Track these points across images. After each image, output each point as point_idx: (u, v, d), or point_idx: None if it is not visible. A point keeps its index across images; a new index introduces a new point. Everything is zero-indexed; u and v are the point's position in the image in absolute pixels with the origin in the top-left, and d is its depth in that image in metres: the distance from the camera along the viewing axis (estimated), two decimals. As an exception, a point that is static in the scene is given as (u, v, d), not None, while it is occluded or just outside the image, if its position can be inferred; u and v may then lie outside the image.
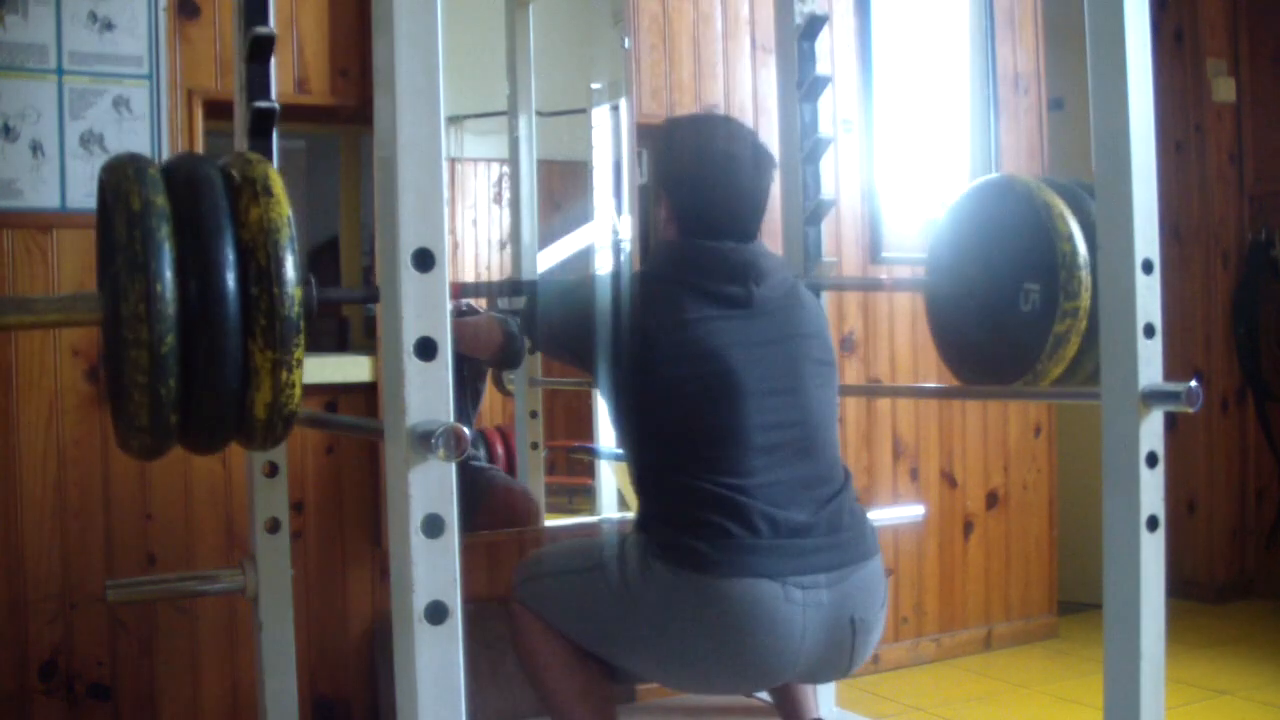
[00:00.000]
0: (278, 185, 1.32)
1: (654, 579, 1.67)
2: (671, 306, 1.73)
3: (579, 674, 1.79)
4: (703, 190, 1.80)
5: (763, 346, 1.75)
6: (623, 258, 2.67)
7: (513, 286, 2.46)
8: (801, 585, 1.64)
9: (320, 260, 2.80)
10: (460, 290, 2.28)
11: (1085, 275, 1.73)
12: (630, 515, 1.97)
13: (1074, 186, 1.89)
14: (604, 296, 1.79)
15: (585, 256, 2.81)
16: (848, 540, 1.73)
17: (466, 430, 1.10)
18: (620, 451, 1.87)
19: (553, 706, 1.81)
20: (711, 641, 1.63)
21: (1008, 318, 1.86)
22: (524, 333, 1.98)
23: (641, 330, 1.73)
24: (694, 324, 1.72)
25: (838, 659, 1.73)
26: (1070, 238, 1.77)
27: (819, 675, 1.80)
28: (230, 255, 1.27)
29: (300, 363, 1.30)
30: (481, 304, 2.69)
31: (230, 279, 1.26)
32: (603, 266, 2.73)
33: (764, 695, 2.49)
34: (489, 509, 2.60)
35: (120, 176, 1.29)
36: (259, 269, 1.27)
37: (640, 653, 1.73)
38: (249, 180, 1.31)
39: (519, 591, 1.84)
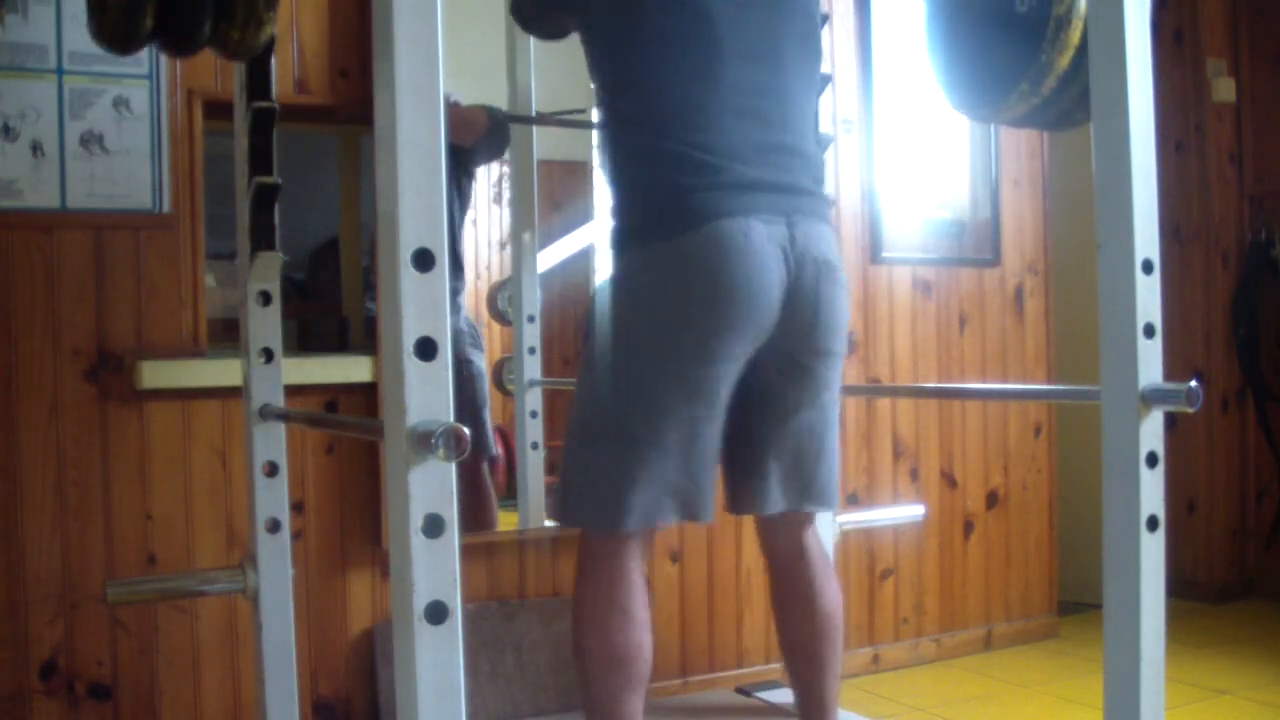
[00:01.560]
0: None
1: (634, 271, 1.77)
2: None
3: (626, 657, 1.76)
4: None
5: (746, 9, 1.81)
6: None
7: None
8: (763, 220, 1.74)
9: (320, 260, 2.80)
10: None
11: None
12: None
13: None
14: None
15: (585, 257, 2.81)
16: (802, 200, 1.81)
17: (466, 430, 1.10)
18: (602, 144, 1.91)
19: (588, 680, 1.78)
20: (699, 287, 1.71)
21: (1005, 21, 1.80)
22: (515, 9, 2.03)
23: None
24: None
25: (804, 300, 1.78)
26: None
27: (792, 325, 1.79)
28: None
29: None
30: (481, 305, 2.69)
31: None
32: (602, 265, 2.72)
33: (766, 696, 2.50)
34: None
35: None
36: None
37: (653, 354, 1.75)
38: None
39: (563, 522, 1.85)
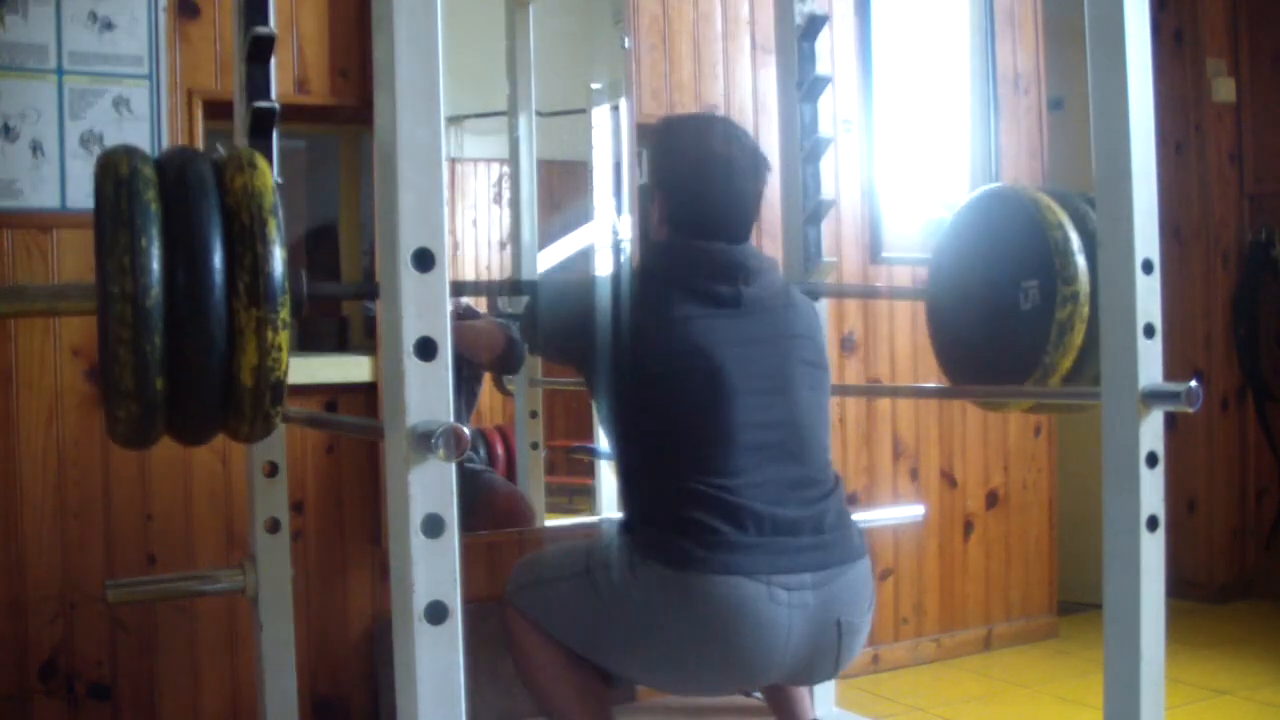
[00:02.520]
0: (262, 161, 1.37)
1: (640, 580, 1.68)
2: (661, 305, 1.74)
3: (574, 677, 1.79)
4: (697, 191, 1.81)
5: (751, 345, 1.76)
6: (622, 258, 2.67)
7: (511, 286, 2.46)
8: (787, 586, 1.64)
9: (320, 260, 2.80)
10: (458, 289, 2.29)
11: (1080, 260, 1.74)
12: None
13: (1067, 192, 1.92)
14: (599, 297, 1.80)
15: (585, 256, 2.81)
16: (834, 541, 1.72)
17: (466, 430, 1.10)
18: (611, 453, 1.87)
19: (549, 709, 1.81)
20: (697, 641, 1.64)
21: (1010, 318, 1.87)
22: (523, 336, 2.00)
23: (631, 328, 1.75)
24: (683, 322, 1.73)
25: (823, 661, 1.73)
26: (1060, 225, 1.78)
27: (805, 677, 1.80)
28: (214, 215, 1.31)
29: (286, 325, 1.32)
30: (481, 304, 2.69)
31: (214, 237, 1.30)
32: (602, 267, 2.73)
33: (759, 695, 2.49)
34: (486, 513, 2.60)
35: (112, 152, 1.36)
36: (242, 228, 1.31)
37: (629, 656, 1.73)
38: (234, 156, 1.37)
39: (513, 598, 1.85)
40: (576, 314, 1.82)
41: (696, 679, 1.73)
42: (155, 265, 1.27)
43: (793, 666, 1.70)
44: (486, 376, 2.69)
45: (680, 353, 1.72)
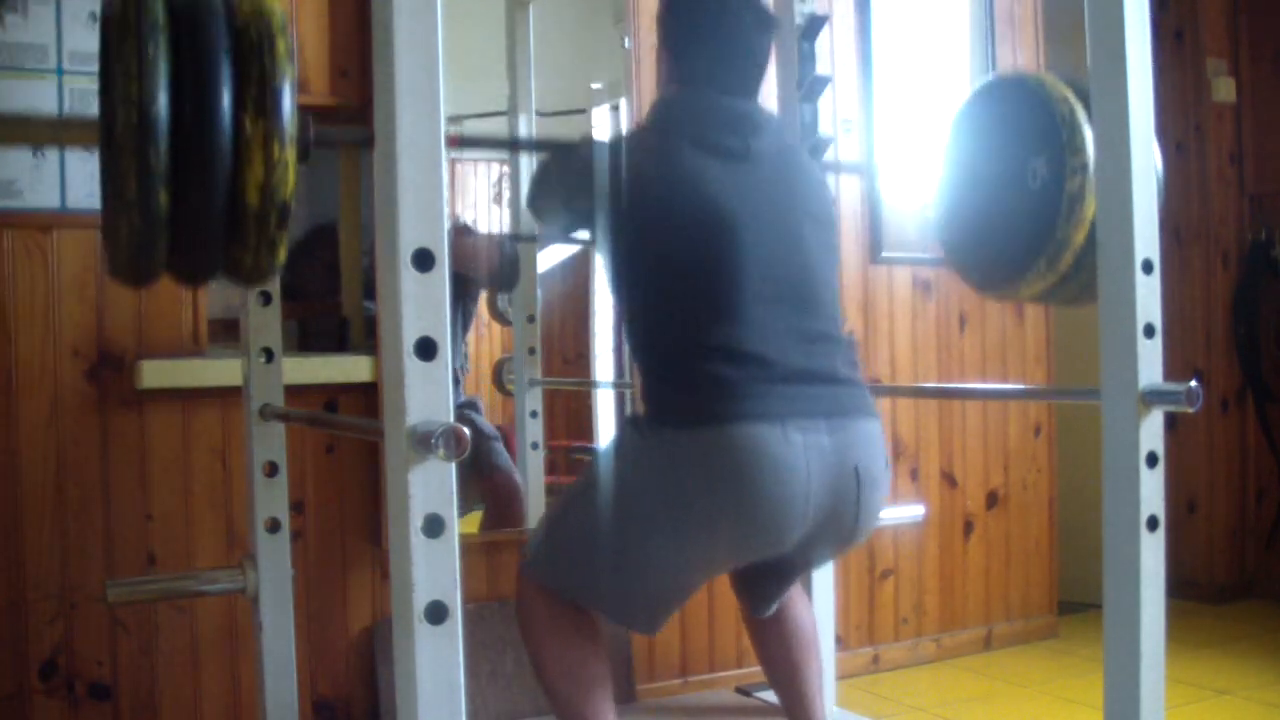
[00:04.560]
0: None
1: (657, 446, 1.68)
2: (670, 156, 1.75)
3: (584, 672, 1.78)
4: (705, 44, 1.82)
5: (760, 198, 1.76)
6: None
7: (519, 144, 2.43)
8: (802, 429, 1.64)
9: (320, 259, 2.79)
10: (460, 140, 2.25)
11: (1088, 130, 1.67)
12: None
13: (1078, 77, 1.85)
14: (608, 154, 1.80)
15: (585, 256, 2.81)
16: (846, 394, 1.73)
17: (466, 430, 1.10)
18: (623, 324, 1.87)
19: (553, 695, 1.80)
20: (719, 495, 1.63)
21: (1019, 200, 1.79)
22: (531, 202, 2.00)
23: (640, 180, 1.74)
24: (692, 172, 1.73)
25: (845, 514, 1.72)
26: (1065, 99, 1.72)
27: (827, 532, 1.74)
28: (222, 29, 1.29)
29: (294, 141, 1.30)
30: (481, 307, 2.70)
31: (222, 49, 1.28)
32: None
33: (766, 696, 2.49)
34: (492, 497, 2.59)
35: None
36: (250, 44, 1.29)
37: (655, 536, 1.70)
38: None
39: (525, 570, 1.83)
40: (584, 170, 1.81)
41: (725, 539, 1.69)
42: (161, 73, 1.25)
43: (815, 518, 1.68)
44: (481, 304, 2.68)
45: (689, 203, 1.72)
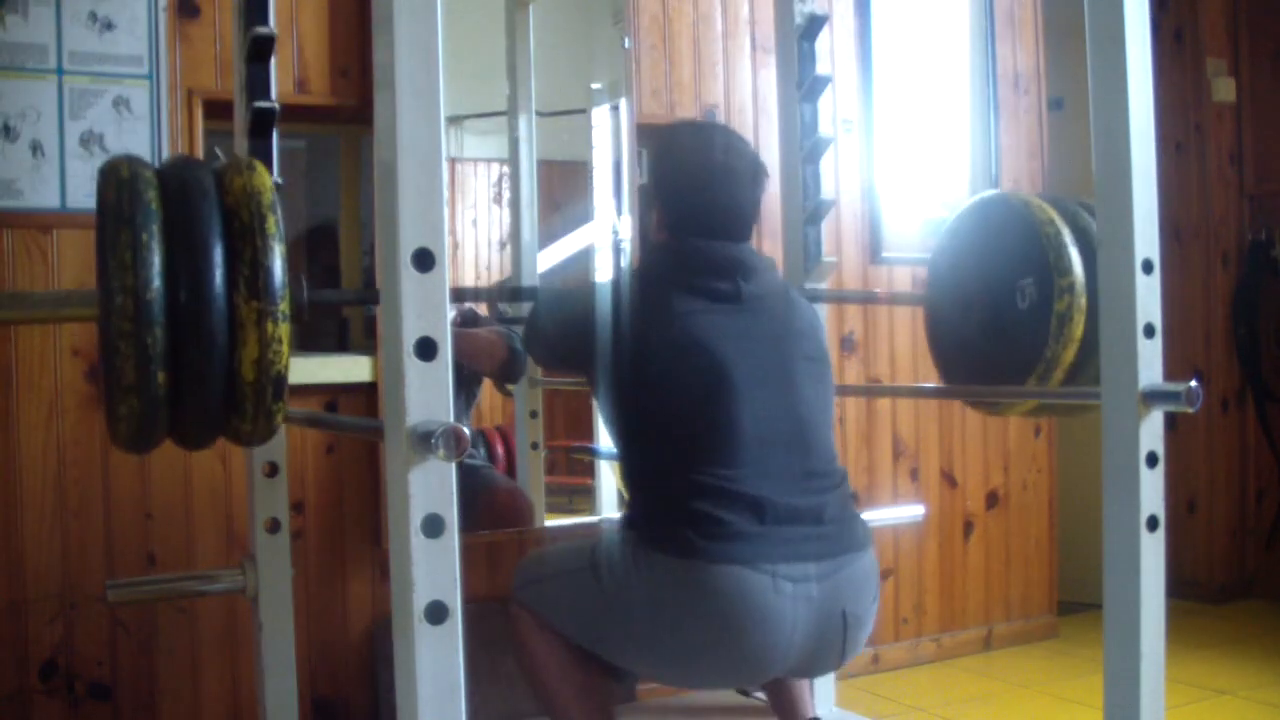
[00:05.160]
0: (260, 164, 1.40)
1: (644, 572, 1.68)
2: (661, 302, 1.75)
3: (577, 674, 1.80)
4: (695, 199, 1.82)
5: (752, 340, 1.77)
6: (622, 259, 2.67)
7: (510, 293, 2.47)
8: (791, 578, 1.64)
9: (320, 260, 2.80)
10: (458, 295, 2.29)
11: (1073, 252, 1.75)
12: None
13: (1059, 196, 1.94)
14: (600, 301, 1.81)
15: (585, 257, 2.81)
16: (837, 532, 1.72)
17: (466, 430, 1.10)
18: (615, 452, 1.88)
19: (551, 706, 1.82)
20: (701, 632, 1.64)
21: (1009, 319, 1.87)
22: (526, 346, 2.01)
23: (632, 327, 1.75)
24: (684, 317, 1.74)
25: (828, 653, 1.73)
26: (1051, 221, 1.79)
27: (810, 669, 1.80)
28: (214, 214, 1.33)
29: (286, 318, 1.33)
30: (481, 307, 2.69)
31: (214, 233, 1.31)
32: (602, 270, 2.73)
33: (761, 695, 2.49)
34: (488, 512, 2.60)
35: (114, 159, 1.38)
36: (241, 225, 1.32)
37: (633, 649, 1.73)
38: (233, 160, 1.40)
39: (518, 594, 1.85)
40: (577, 319, 1.83)
41: (701, 672, 1.72)
42: (156, 260, 1.28)
43: (798, 659, 1.70)
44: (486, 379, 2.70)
45: (681, 347, 1.72)
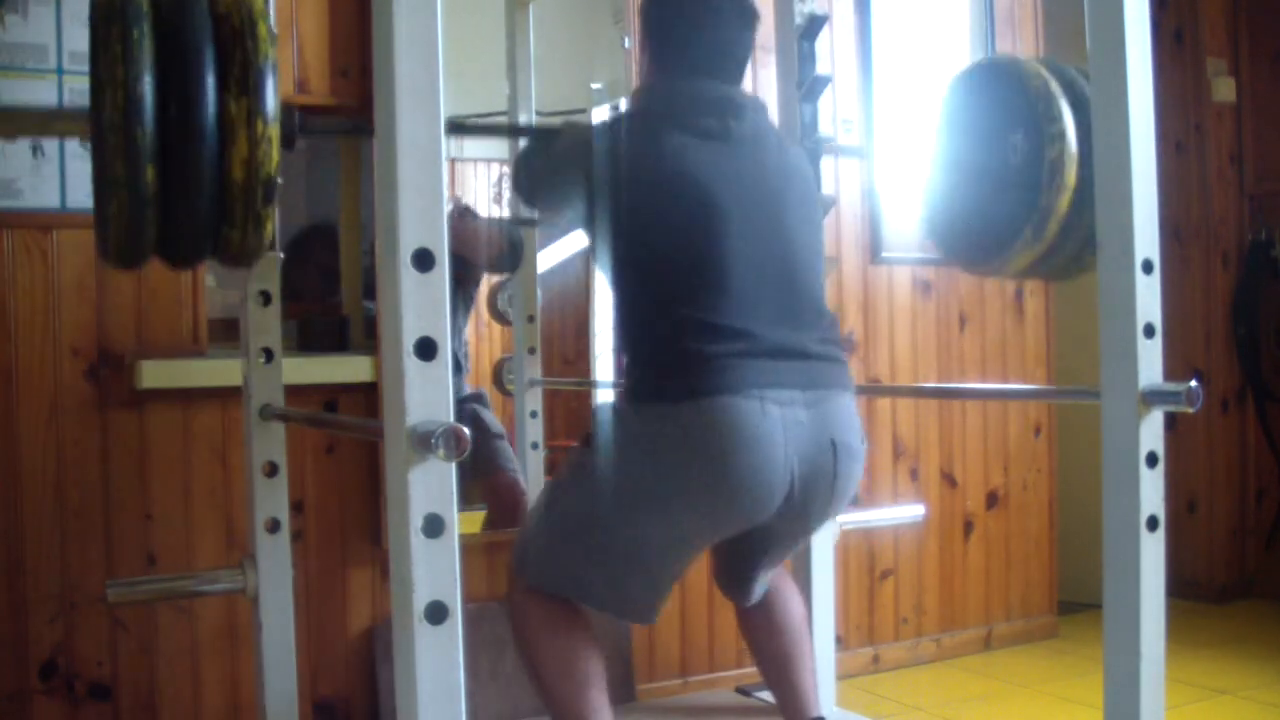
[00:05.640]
0: None
1: (639, 425, 1.73)
2: (651, 139, 1.77)
3: (578, 669, 1.78)
4: (686, 38, 1.86)
5: (742, 180, 1.79)
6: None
7: (511, 129, 2.45)
8: (779, 402, 1.68)
9: (319, 259, 2.79)
10: (455, 127, 2.27)
11: (1062, 102, 1.71)
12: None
13: (1052, 59, 1.88)
14: (592, 137, 1.84)
15: (585, 256, 2.81)
16: (822, 368, 1.76)
17: (466, 430, 1.10)
18: (611, 308, 1.90)
19: (551, 700, 1.81)
20: (701, 464, 1.66)
21: (1002, 175, 1.82)
22: (516, 185, 2.05)
23: (623, 163, 1.77)
24: (673, 153, 1.76)
25: (821, 483, 1.75)
26: (1039, 74, 1.75)
27: (808, 507, 1.78)
28: (205, 17, 1.35)
29: (276, 118, 1.34)
30: (482, 306, 2.69)
31: (205, 34, 1.34)
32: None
33: (766, 696, 2.49)
34: (493, 497, 2.59)
35: None
36: (232, 30, 1.34)
37: (639, 510, 1.73)
38: None
39: (516, 576, 1.85)
40: (569, 154, 1.86)
41: (708, 509, 1.72)
42: (146, 56, 1.30)
43: (795, 487, 1.71)
44: (482, 303, 2.68)
45: (671, 182, 1.75)
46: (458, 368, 2.62)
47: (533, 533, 1.85)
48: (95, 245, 1.40)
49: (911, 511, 2.82)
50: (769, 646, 2.07)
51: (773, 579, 2.05)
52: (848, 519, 2.53)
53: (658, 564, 1.78)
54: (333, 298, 2.71)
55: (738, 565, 1.98)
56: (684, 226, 1.74)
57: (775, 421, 1.67)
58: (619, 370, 1.83)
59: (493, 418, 2.67)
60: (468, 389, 2.66)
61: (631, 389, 1.77)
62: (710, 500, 1.69)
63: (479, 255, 2.50)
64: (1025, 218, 1.75)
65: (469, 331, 2.71)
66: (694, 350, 1.68)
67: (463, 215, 2.52)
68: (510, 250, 2.51)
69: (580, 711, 1.78)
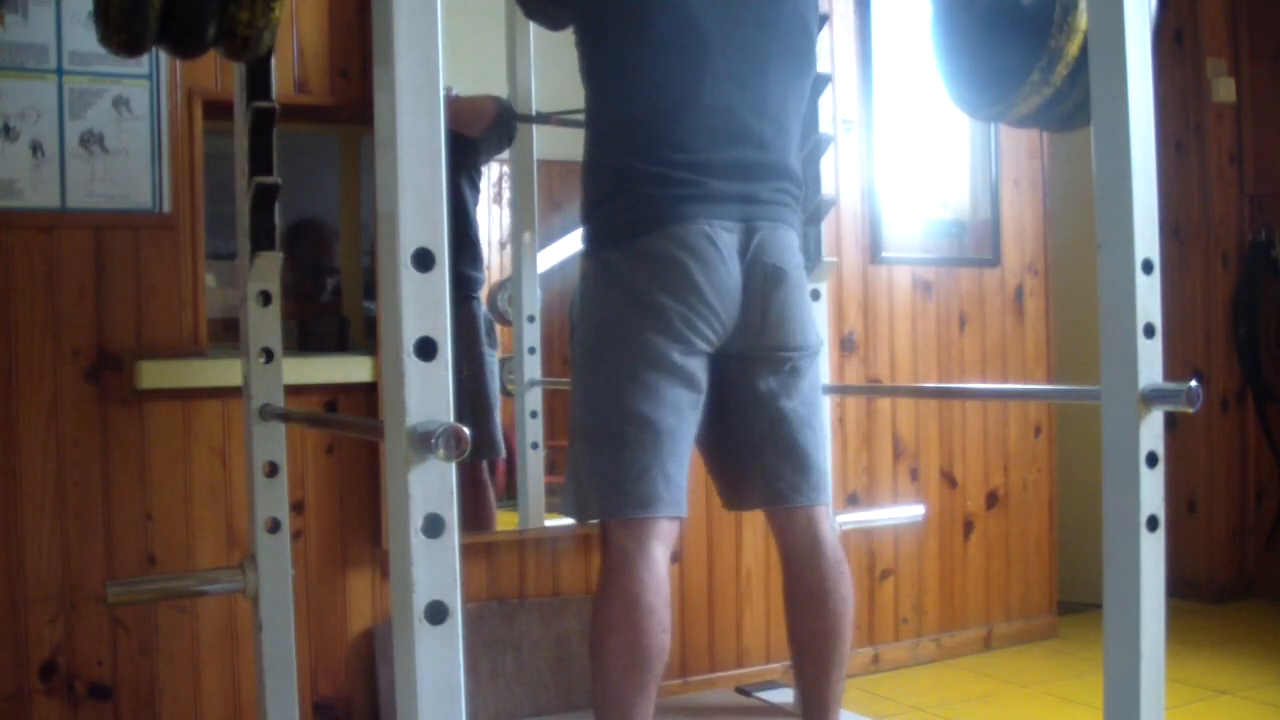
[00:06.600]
0: None
1: (604, 269, 1.86)
2: None
3: (641, 673, 1.75)
4: None
5: (736, 24, 1.86)
6: None
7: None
8: (726, 229, 1.83)
9: (318, 259, 2.79)
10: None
11: None
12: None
13: None
14: None
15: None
16: (770, 210, 1.89)
17: (466, 431, 1.10)
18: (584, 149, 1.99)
19: (603, 695, 1.77)
20: (663, 280, 1.80)
21: (1012, 17, 1.79)
22: None
23: None
24: None
25: (768, 303, 1.88)
26: None
27: (759, 328, 1.89)
28: None
29: None
30: (483, 301, 2.69)
31: None
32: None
33: (766, 696, 2.50)
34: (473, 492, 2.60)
35: None
36: None
37: (629, 342, 1.82)
38: None
39: (578, 519, 1.89)
40: None
41: (673, 321, 1.81)
42: None
43: (745, 304, 1.85)
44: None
45: (672, 17, 1.82)
46: (476, 259, 2.65)
47: (571, 464, 1.88)
48: (95, 30, 1.33)
49: (911, 511, 2.82)
50: (809, 637, 1.98)
51: (832, 558, 1.96)
52: (847, 519, 2.53)
53: (670, 409, 1.82)
54: (325, 297, 2.72)
55: (739, 453, 1.98)
56: (670, 62, 1.83)
57: (722, 240, 1.82)
58: (582, 218, 1.96)
59: (493, 381, 2.66)
60: (483, 312, 2.65)
61: (592, 237, 1.91)
62: (678, 299, 1.80)
63: (473, 128, 2.50)
64: (1034, 60, 1.73)
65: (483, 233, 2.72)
66: (650, 195, 1.82)
67: (450, 93, 2.50)
68: (504, 121, 2.51)
69: (631, 715, 1.75)
